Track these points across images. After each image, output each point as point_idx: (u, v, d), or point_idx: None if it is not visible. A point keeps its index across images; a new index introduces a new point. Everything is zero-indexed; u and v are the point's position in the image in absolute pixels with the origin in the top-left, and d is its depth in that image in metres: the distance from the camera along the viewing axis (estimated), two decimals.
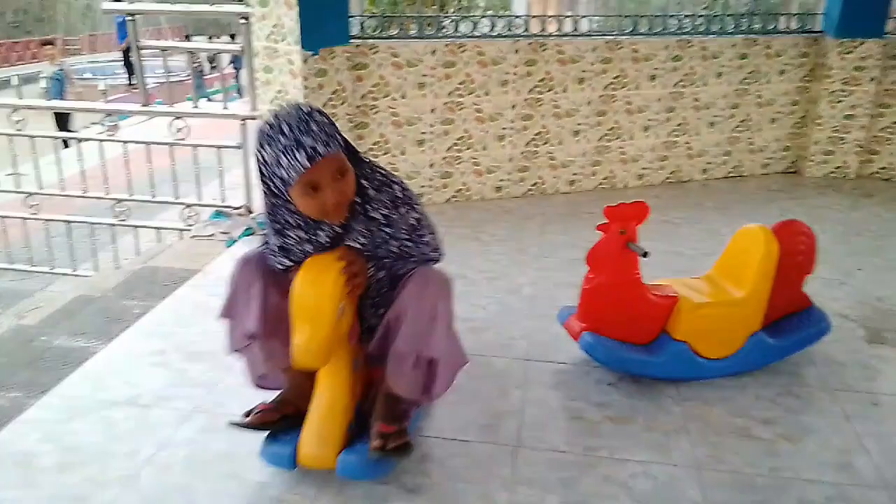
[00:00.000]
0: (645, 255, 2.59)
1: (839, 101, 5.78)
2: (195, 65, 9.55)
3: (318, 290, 1.93)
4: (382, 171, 2.13)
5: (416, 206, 2.15)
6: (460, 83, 4.91)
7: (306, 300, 1.93)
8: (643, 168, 5.62)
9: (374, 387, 2.24)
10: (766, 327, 2.83)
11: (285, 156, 1.84)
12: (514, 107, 5.08)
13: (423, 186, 5.04)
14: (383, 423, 2.10)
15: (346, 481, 2.14)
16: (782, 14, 5.90)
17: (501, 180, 5.23)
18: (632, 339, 2.74)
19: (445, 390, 2.26)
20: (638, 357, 2.72)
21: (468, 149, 5.07)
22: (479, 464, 2.28)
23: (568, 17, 5.62)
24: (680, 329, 2.71)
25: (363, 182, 2.06)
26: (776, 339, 2.81)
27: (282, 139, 1.84)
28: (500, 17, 6.85)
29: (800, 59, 5.78)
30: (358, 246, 2.11)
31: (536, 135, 5.20)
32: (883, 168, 5.95)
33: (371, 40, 4.71)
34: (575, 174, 5.40)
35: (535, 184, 5.31)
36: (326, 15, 4.33)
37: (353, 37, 4.67)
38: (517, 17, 5.56)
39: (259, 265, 2.16)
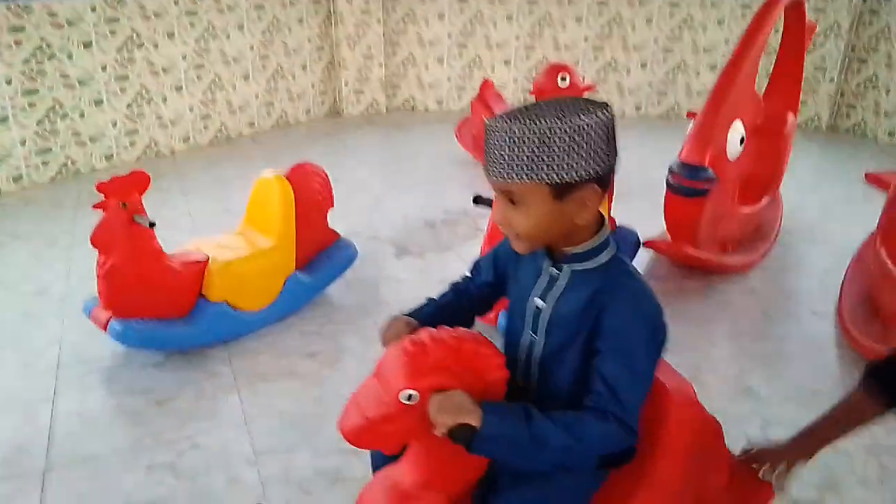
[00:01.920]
0: (152, 225, 2.45)
1: (356, 44, 6.30)
2: None
3: None
4: None
5: None
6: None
7: None
8: (187, 131, 5.40)
9: None
10: (301, 268, 2.97)
11: None
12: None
13: None
14: None
15: None
16: None
17: (16, 166, 4.49)
18: (168, 314, 2.61)
19: None
20: (177, 330, 2.61)
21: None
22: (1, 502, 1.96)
23: None
24: (214, 290, 2.68)
25: None
26: (310, 277, 2.97)
27: None
28: None
29: (314, 7, 6.10)
30: None
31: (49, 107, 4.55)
32: (406, 100, 6.75)
33: None
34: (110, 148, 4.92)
35: (64, 165, 4.69)
36: None
37: None
38: None
39: None
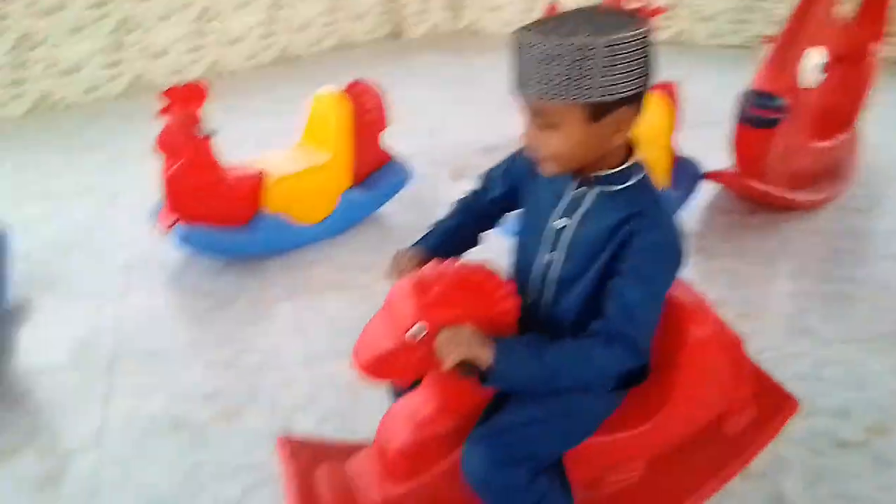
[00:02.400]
0: (210, 134, 2.50)
1: None
2: None
3: None
4: None
5: None
6: None
7: None
8: (251, 49, 5.43)
9: None
10: (356, 186, 3.00)
11: None
12: None
13: None
14: None
15: None
16: None
17: (89, 80, 4.62)
18: (228, 223, 2.69)
19: None
20: (236, 239, 2.70)
21: (35, 48, 4.34)
22: (66, 388, 2.11)
23: None
24: (272, 202, 2.74)
25: None
26: (365, 195, 3.00)
27: None
28: None
29: None
30: None
31: (119, 21, 4.63)
32: (470, 23, 6.58)
33: None
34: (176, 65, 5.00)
35: (131, 83, 4.80)
36: None
37: None
38: None
39: None
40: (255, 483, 1.74)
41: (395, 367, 1.17)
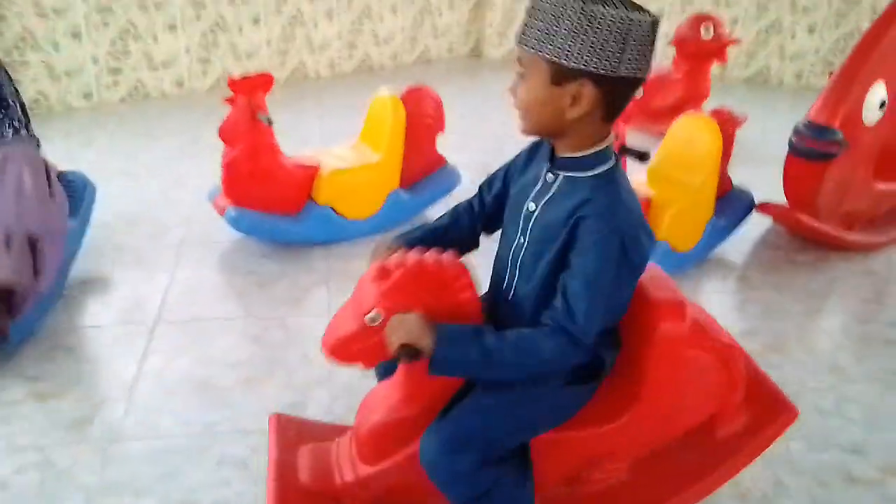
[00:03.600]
0: (270, 122, 2.67)
1: None
2: None
3: None
4: None
5: None
6: None
7: None
8: (333, 57, 5.68)
9: None
10: (405, 186, 3.11)
11: None
12: None
13: (87, 85, 4.61)
14: None
15: None
16: None
17: (180, 74, 4.97)
18: (279, 210, 2.85)
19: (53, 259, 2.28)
20: (285, 226, 2.86)
21: (136, 40, 4.71)
22: (111, 343, 2.29)
23: None
24: (322, 195, 2.88)
25: None
26: (412, 195, 3.11)
27: None
28: None
29: None
30: None
31: (214, 23, 4.97)
32: None
33: None
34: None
35: (218, 78, 5.12)
36: None
37: None
38: None
39: None
40: (261, 446, 1.83)
41: (355, 351, 1.25)
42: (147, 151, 3.93)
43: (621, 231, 1.17)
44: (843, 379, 2.25)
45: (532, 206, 1.29)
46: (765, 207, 2.98)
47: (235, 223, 2.78)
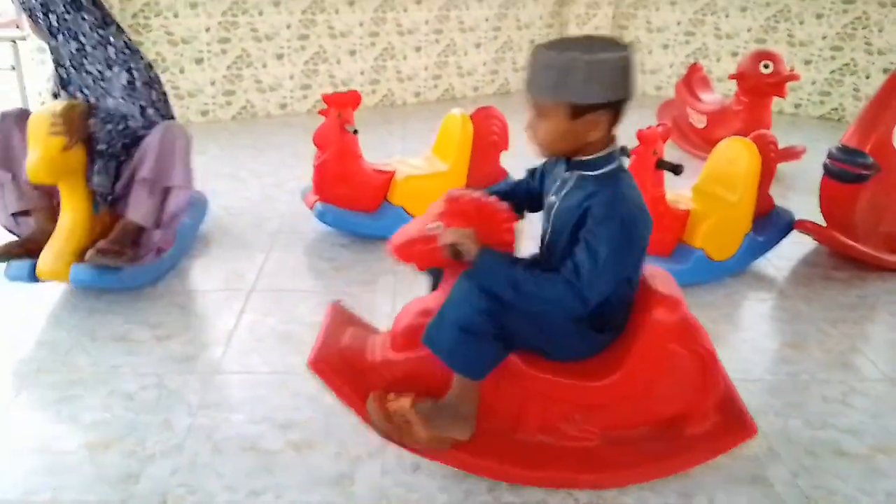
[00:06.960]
0: (355, 132, 3.14)
1: (584, 24, 6.67)
2: None
3: (37, 123, 2.44)
4: (101, 33, 2.60)
5: (132, 71, 2.56)
6: (233, 2, 5.18)
7: (31, 130, 2.45)
8: (419, 87, 6.21)
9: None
10: None
11: None
12: (289, 27, 5.43)
13: (205, 104, 5.30)
14: (106, 242, 2.60)
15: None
16: None
17: (284, 97, 5.60)
18: (360, 208, 3.30)
19: (175, 217, 2.82)
20: (364, 222, 3.31)
21: (248, 66, 5.38)
22: (215, 303, 2.78)
23: None
24: (396, 197, 3.32)
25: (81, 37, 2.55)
26: None
27: None
28: None
29: None
30: (80, 96, 2.65)
31: (315, 53, 5.60)
32: None
33: None
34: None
35: (316, 101, 5.73)
36: None
37: None
38: None
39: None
40: None
41: (414, 252, 1.62)
42: (252, 160, 4.52)
43: (620, 214, 1.53)
44: (856, 377, 2.43)
45: (553, 199, 1.67)
46: (802, 224, 3.18)
47: (322, 216, 3.25)
